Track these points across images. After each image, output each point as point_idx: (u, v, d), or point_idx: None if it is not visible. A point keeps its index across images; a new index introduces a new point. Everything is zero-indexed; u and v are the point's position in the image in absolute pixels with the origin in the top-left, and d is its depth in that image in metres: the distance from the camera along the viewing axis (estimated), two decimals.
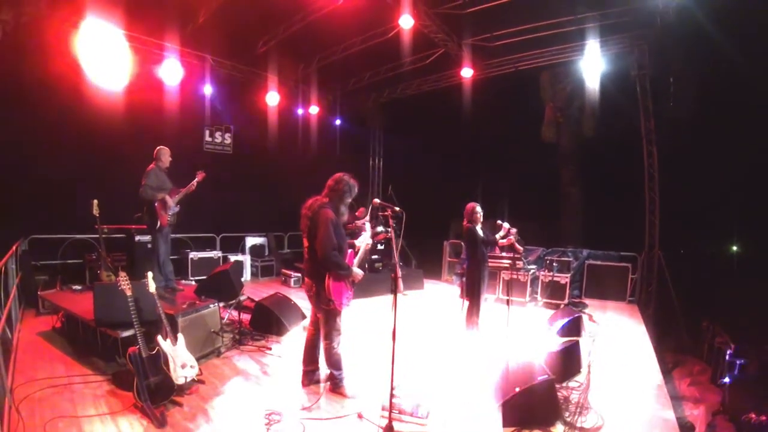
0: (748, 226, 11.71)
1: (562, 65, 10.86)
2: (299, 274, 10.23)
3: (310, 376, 4.62)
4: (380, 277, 9.79)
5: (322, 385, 4.57)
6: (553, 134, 12.75)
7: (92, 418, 3.70)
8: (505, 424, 3.87)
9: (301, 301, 7.14)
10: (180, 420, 3.78)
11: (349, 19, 8.47)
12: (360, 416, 3.96)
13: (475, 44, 10.04)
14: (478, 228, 6.40)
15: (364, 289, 9.04)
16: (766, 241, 10.97)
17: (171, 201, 6.34)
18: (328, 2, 8.03)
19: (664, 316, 9.42)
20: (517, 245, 8.09)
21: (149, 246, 8.07)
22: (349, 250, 4.40)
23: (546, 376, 4.10)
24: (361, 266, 4.51)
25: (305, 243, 4.26)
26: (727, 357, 7.99)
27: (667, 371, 8.41)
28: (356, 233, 7.19)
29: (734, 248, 12.50)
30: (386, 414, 3.70)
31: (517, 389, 3.93)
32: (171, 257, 6.85)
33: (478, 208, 6.39)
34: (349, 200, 4.36)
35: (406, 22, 8.28)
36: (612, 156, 11.27)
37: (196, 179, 6.56)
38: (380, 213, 4.71)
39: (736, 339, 8.05)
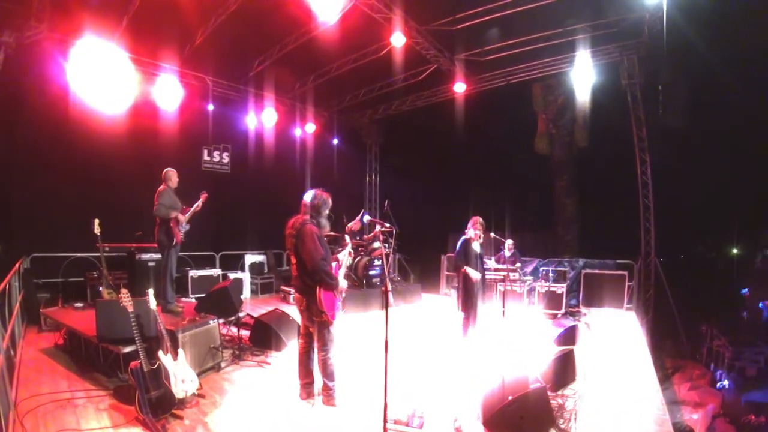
0: (743, 229, 11.83)
1: (554, 77, 11.05)
2: None
3: (307, 389, 4.68)
4: (377, 291, 9.85)
5: (317, 397, 4.62)
6: (546, 145, 12.93)
7: (95, 431, 3.78)
8: (498, 431, 3.93)
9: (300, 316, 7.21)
10: None
11: (342, 38, 8.65)
12: (355, 427, 4.02)
13: (467, 59, 10.23)
14: (476, 242, 6.48)
15: (360, 303, 9.13)
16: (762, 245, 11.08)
17: (183, 219, 6.50)
18: (321, 23, 8.21)
19: (662, 322, 9.47)
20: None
21: (150, 264, 8.21)
22: (333, 264, 4.53)
23: (539, 384, 4.16)
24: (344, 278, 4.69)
25: (293, 261, 4.41)
26: (726, 360, 8.06)
27: (666, 376, 8.46)
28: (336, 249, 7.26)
29: (732, 252, 12.59)
30: (381, 424, 3.76)
31: (510, 397, 3.99)
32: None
33: (479, 222, 6.48)
34: (326, 212, 4.54)
35: (397, 39, 8.48)
36: (605, 165, 11.43)
37: (201, 200, 6.73)
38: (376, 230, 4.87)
39: (734, 342, 8.12)
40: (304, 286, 4.34)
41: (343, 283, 4.55)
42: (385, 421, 3.71)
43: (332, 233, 8.00)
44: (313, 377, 4.70)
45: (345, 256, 4.90)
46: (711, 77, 9.92)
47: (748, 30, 8.58)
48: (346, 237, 5.32)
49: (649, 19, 8.06)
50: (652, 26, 8.16)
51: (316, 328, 4.41)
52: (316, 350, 4.51)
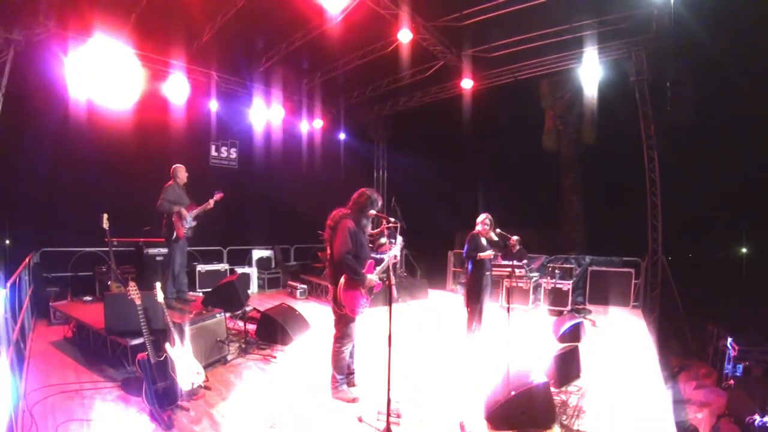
0: (751, 228, 11.73)
1: (561, 73, 10.94)
2: (305, 286, 10.39)
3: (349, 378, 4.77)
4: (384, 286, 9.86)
5: (324, 389, 4.66)
6: (553, 142, 12.88)
7: (102, 422, 3.84)
8: (501, 427, 3.95)
9: (307, 311, 7.27)
10: (186, 424, 3.90)
11: (349, 34, 8.67)
12: (360, 420, 4.07)
13: (474, 55, 10.18)
14: (483, 238, 6.48)
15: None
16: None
17: (187, 214, 6.52)
18: (328, 19, 8.22)
19: (668, 321, 9.42)
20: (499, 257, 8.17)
21: (158, 259, 8.27)
22: (370, 261, 4.53)
23: (542, 379, 4.18)
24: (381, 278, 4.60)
25: (328, 251, 4.46)
26: (731, 359, 8.00)
27: (672, 375, 8.42)
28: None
29: (741, 251, 12.49)
30: (384, 418, 3.80)
31: (513, 392, 4.01)
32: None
33: (487, 219, 6.48)
34: (371, 213, 4.50)
35: (404, 36, 8.49)
36: (612, 162, 11.36)
37: (214, 198, 6.74)
38: (386, 225, 4.80)
39: (740, 341, 8.06)
40: (333, 277, 4.41)
41: (372, 279, 4.49)
42: (389, 414, 3.75)
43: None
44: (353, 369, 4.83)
45: (387, 258, 4.71)
46: (720, 73, 9.83)
47: (758, 25, 8.49)
48: (398, 237, 5.11)
49: (657, 15, 7.97)
50: (660, 22, 8.06)
51: (336, 319, 4.50)
52: (332, 341, 4.57)
